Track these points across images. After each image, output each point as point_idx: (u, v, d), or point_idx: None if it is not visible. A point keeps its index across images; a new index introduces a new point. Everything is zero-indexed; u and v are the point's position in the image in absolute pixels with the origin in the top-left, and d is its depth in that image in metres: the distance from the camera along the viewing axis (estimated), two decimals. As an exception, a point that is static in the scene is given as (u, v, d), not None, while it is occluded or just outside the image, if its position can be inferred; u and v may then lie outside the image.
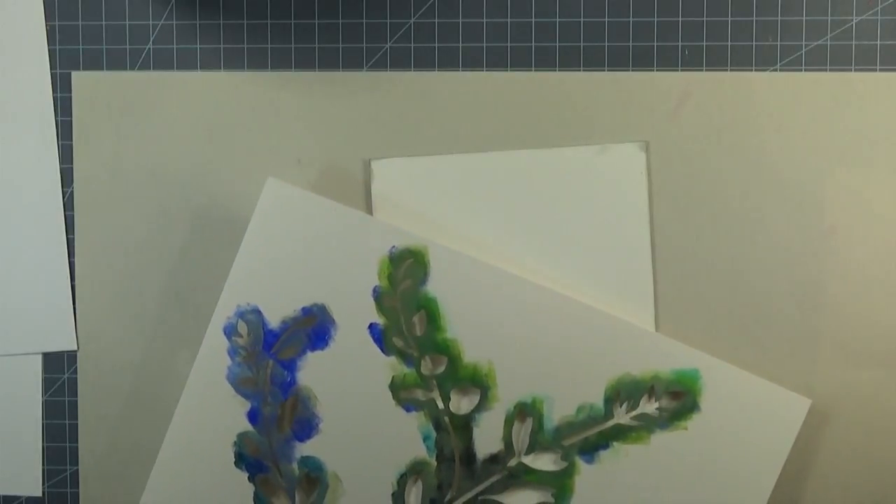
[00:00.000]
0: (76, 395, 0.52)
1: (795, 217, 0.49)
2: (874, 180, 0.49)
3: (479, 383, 0.50)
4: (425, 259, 0.49)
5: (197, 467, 0.47)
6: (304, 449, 0.50)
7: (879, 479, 0.50)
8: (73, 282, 0.52)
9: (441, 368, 0.50)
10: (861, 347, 0.49)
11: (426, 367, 0.50)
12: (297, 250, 0.49)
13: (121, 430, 0.52)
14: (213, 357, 0.50)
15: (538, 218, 0.50)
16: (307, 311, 0.50)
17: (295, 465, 0.50)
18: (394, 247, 0.49)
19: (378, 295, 0.49)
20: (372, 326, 0.50)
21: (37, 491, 0.53)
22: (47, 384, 0.52)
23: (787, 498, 0.50)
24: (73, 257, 0.52)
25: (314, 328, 0.50)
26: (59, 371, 0.52)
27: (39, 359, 0.52)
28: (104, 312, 0.52)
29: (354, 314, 0.49)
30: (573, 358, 0.49)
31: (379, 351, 0.50)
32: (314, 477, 0.50)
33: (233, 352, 0.50)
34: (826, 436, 0.49)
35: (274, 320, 0.50)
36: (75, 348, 0.52)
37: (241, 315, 0.50)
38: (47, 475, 0.53)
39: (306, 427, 0.50)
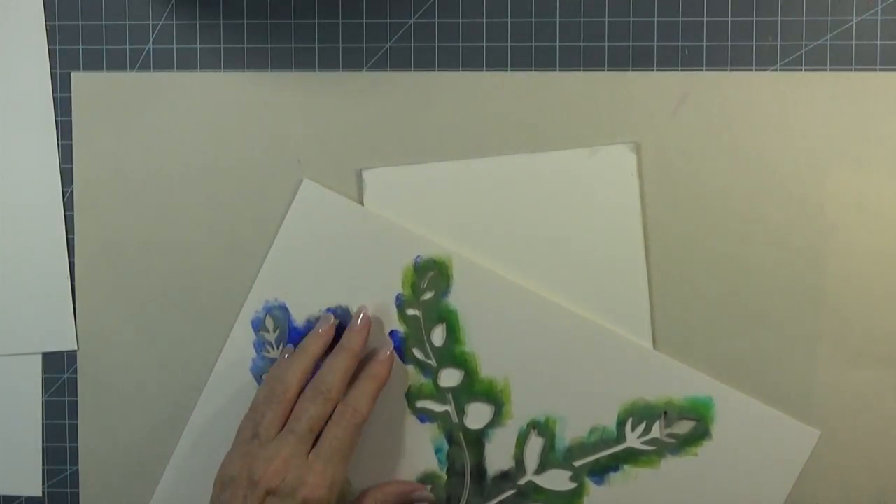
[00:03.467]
0: (76, 395, 0.52)
1: (795, 217, 0.49)
2: (874, 180, 0.49)
3: (493, 399, 0.50)
4: (449, 271, 0.49)
5: (216, 454, 0.47)
6: None
7: (879, 479, 0.50)
8: (73, 282, 0.52)
9: (457, 381, 0.50)
10: (861, 347, 0.49)
11: (443, 378, 0.50)
12: (326, 252, 0.50)
13: (121, 430, 0.52)
14: (239, 349, 0.50)
15: (530, 223, 0.50)
16: (331, 312, 0.50)
17: None
18: (419, 256, 0.49)
19: (401, 303, 0.50)
20: (392, 334, 0.50)
21: (37, 491, 0.53)
22: (47, 384, 0.52)
23: (787, 495, 0.50)
24: (73, 257, 0.52)
25: (337, 330, 0.50)
26: (59, 371, 0.52)
27: (39, 359, 0.52)
28: (104, 312, 0.52)
29: (376, 320, 0.50)
30: (588, 379, 0.49)
31: (398, 359, 0.50)
32: None
33: (259, 345, 0.50)
34: (826, 435, 0.49)
35: (299, 318, 0.50)
36: (75, 348, 0.52)
37: (268, 310, 0.50)
38: (47, 475, 0.53)
39: None
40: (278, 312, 0.50)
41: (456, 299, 0.49)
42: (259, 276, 0.50)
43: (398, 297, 0.50)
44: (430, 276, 0.49)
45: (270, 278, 0.50)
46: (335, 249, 0.50)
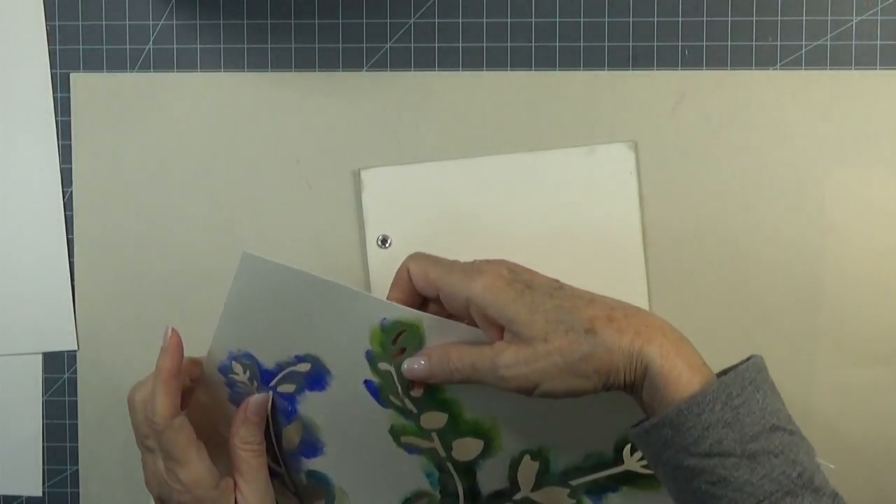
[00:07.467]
0: (76, 395, 0.52)
1: (795, 216, 0.49)
2: (874, 180, 0.49)
3: (482, 435, 0.46)
4: (420, 331, 0.44)
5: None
6: (311, 464, 0.49)
7: (879, 478, 0.50)
8: (73, 282, 0.52)
9: (441, 424, 0.46)
10: (861, 347, 0.49)
11: (425, 421, 0.46)
12: (281, 317, 0.45)
13: (121, 430, 0.52)
14: (213, 386, 0.47)
15: (529, 222, 0.50)
16: (301, 359, 0.46)
17: (303, 476, 0.49)
18: (385, 318, 0.44)
19: (371, 357, 0.45)
20: (367, 383, 0.45)
21: (37, 491, 0.53)
22: (47, 384, 0.52)
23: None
24: (73, 257, 0.52)
25: (310, 373, 0.46)
26: (59, 371, 0.52)
27: (39, 359, 0.52)
28: (104, 312, 0.52)
29: (348, 370, 0.45)
30: (582, 415, 0.45)
31: (376, 403, 0.46)
32: (321, 488, 0.49)
33: (231, 384, 0.47)
34: (825, 435, 0.49)
35: (268, 363, 0.46)
36: (75, 348, 0.52)
37: (233, 358, 0.46)
38: (47, 475, 0.53)
39: (311, 448, 0.48)
40: (245, 360, 0.46)
41: None
42: (214, 334, 0.46)
43: (368, 353, 0.45)
44: (401, 335, 0.44)
45: (227, 335, 0.46)
46: (291, 315, 0.45)
